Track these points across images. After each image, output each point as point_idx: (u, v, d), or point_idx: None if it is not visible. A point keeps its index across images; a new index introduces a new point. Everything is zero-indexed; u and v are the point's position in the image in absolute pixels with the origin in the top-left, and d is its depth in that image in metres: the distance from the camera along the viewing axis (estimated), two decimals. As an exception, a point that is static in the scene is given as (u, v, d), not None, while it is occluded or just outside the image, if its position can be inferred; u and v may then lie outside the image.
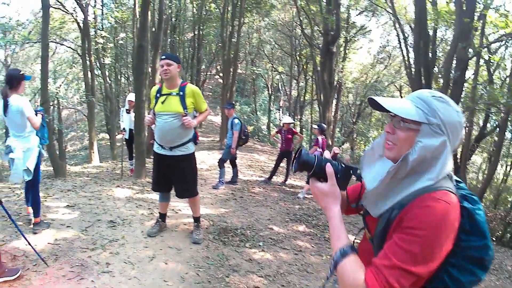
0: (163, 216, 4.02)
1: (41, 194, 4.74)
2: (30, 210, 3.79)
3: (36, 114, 3.54)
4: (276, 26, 20.16)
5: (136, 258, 3.39)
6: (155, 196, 5.25)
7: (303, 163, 1.14)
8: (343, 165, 1.17)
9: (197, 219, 3.97)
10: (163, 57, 3.39)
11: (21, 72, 3.58)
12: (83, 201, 5.00)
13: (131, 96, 7.01)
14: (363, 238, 1.31)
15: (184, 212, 4.74)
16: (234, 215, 4.73)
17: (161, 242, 3.79)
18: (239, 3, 12.93)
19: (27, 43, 13.75)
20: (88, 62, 13.20)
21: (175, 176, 3.61)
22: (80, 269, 3.06)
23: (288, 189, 7.66)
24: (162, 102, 3.40)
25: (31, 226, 3.75)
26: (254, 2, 14.26)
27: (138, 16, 12.31)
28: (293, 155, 1.29)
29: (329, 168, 1.13)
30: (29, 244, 3.05)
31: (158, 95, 3.47)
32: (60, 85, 17.45)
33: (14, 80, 3.46)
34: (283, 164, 7.91)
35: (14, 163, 3.44)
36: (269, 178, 7.68)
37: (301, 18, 15.18)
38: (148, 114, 3.62)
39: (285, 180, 8.01)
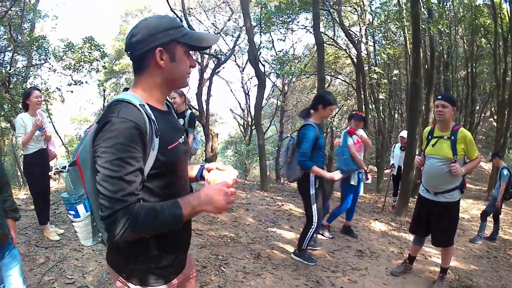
0: (412, 259, 3.94)
1: (299, 210, 5.55)
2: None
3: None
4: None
5: (371, 291, 3.48)
6: (409, 237, 5.17)
7: None
8: None
9: (444, 270, 3.68)
10: (439, 97, 3.30)
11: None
12: (339, 226, 5.39)
13: (404, 133, 7.12)
14: None
15: (434, 259, 4.46)
16: (482, 275, 4.18)
17: (401, 283, 3.69)
18: (510, 36, 11.50)
19: (304, 74, 15.97)
20: (362, 96, 13.99)
21: (434, 222, 3.48)
22: (314, 285, 3.44)
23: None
24: (433, 145, 3.34)
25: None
26: (523, 35, 12.05)
27: (410, 53, 12.23)
28: None
29: None
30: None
31: (430, 136, 3.43)
32: (335, 115, 19.00)
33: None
34: None
35: None
36: None
37: None
38: (419, 155, 3.63)
39: None
